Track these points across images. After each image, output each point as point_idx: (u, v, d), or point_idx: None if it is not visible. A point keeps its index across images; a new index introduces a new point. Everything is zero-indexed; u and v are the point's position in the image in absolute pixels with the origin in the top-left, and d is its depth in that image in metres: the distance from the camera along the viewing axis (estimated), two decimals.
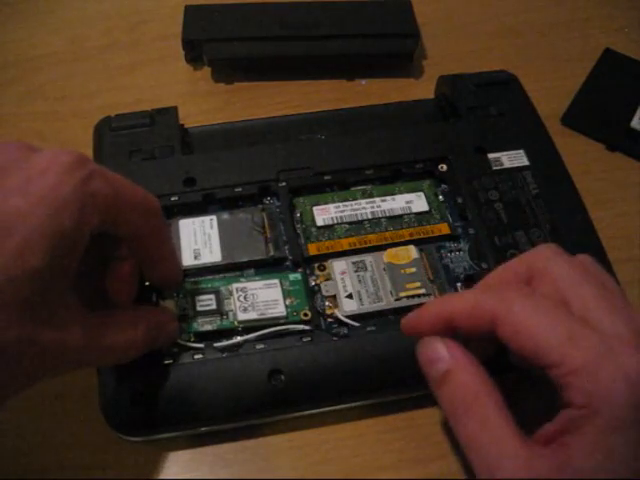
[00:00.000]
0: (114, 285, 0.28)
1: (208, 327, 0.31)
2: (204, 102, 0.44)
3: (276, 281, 0.33)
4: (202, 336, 0.31)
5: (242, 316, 0.31)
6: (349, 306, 0.32)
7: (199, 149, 0.38)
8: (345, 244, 0.34)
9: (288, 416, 0.31)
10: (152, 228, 0.28)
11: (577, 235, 0.35)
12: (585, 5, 0.50)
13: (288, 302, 0.32)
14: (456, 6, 0.50)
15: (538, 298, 0.25)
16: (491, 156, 0.37)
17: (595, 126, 0.43)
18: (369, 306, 0.32)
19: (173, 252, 0.30)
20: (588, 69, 0.45)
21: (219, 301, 0.32)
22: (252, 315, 0.32)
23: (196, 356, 0.31)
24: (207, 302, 0.32)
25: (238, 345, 0.31)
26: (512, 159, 0.37)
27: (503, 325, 0.25)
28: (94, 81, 0.45)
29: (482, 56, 0.46)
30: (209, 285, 0.33)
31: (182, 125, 0.39)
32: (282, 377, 0.30)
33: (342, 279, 0.33)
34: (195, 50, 0.45)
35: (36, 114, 0.43)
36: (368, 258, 0.34)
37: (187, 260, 0.33)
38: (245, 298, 0.32)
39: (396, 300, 0.33)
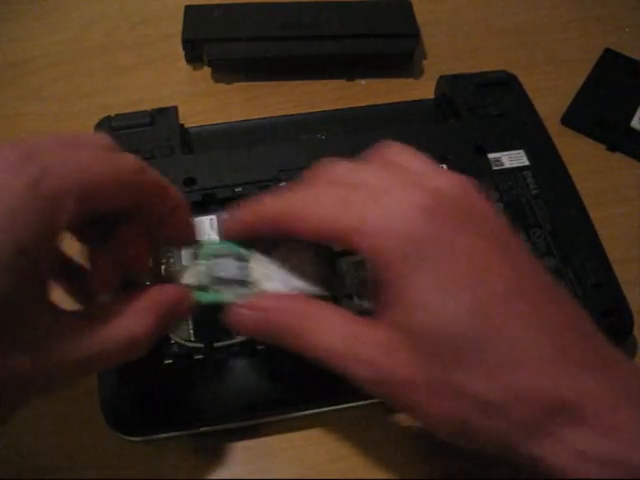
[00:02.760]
0: (127, 252, 0.26)
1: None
2: (204, 102, 0.44)
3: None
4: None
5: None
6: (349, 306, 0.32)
7: (199, 149, 0.38)
8: None
9: (288, 416, 0.31)
10: (148, 194, 0.25)
11: (577, 235, 0.35)
12: (585, 5, 0.50)
13: None
14: (456, 6, 0.50)
15: (313, 182, 0.26)
16: (491, 156, 0.37)
17: (595, 126, 0.43)
18: (369, 305, 0.32)
19: (180, 202, 0.27)
20: (588, 69, 0.45)
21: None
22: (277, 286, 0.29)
23: (196, 356, 0.31)
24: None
25: (238, 345, 0.31)
26: (512, 159, 0.37)
27: (288, 223, 0.25)
28: (94, 81, 0.45)
29: (482, 56, 0.46)
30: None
31: (182, 125, 0.39)
32: (282, 377, 0.30)
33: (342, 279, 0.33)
34: (195, 50, 0.45)
35: (36, 114, 0.43)
36: None
37: (187, 260, 0.33)
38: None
39: None
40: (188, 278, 0.28)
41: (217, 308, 0.33)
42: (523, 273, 0.24)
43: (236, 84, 0.45)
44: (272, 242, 0.29)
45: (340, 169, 0.27)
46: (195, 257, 0.29)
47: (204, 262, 0.28)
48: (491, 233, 0.24)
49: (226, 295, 0.27)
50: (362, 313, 0.25)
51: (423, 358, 0.23)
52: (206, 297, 0.27)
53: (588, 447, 0.22)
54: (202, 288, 0.28)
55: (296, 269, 0.28)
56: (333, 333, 0.25)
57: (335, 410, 0.31)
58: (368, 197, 0.24)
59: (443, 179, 0.25)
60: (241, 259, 0.28)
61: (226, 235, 0.29)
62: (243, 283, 0.28)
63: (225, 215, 0.29)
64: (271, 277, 0.28)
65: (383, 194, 0.24)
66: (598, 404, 0.22)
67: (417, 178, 0.25)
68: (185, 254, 0.34)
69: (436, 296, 0.23)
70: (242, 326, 0.27)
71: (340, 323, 0.25)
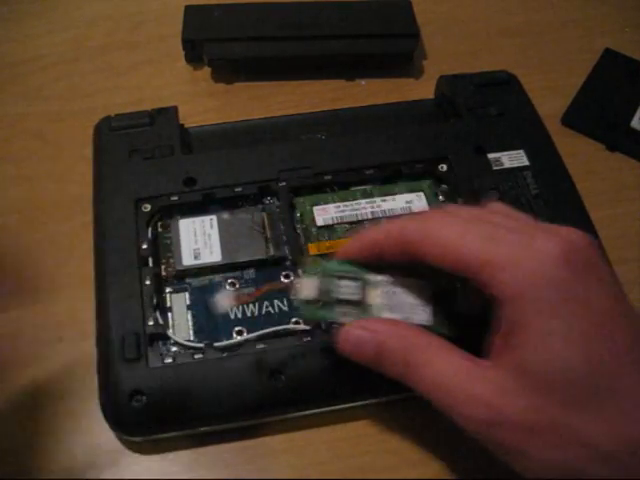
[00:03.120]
0: None
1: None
2: (204, 102, 0.44)
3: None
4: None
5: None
6: None
7: (199, 149, 0.38)
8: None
9: (288, 416, 0.31)
10: None
11: None
12: (585, 5, 0.50)
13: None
14: (456, 6, 0.50)
15: (453, 214, 0.27)
16: (491, 156, 0.37)
17: (595, 126, 0.43)
18: None
19: None
20: (588, 69, 0.45)
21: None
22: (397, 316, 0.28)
23: (196, 356, 0.31)
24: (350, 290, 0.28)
25: (238, 345, 0.31)
26: (512, 159, 0.37)
27: (425, 245, 0.26)
28: (94, 81, 0.45)
29: (482, 56, 0.46)
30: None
31: (182, 125, 0.39)
32: (282, 377, 0.30)
33: None
34: (195, 50, 0.45)
35: (36, 114, 0.43)
36: None
37: (187, 260, 0.34)
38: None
39: None
40: (301, 291, 0.27)
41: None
42: (632, 323, 0.24)
43: (236, 84, 0.45)
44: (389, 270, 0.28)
45: (468, 209, 0.28)
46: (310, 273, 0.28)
47: (320, 277, 0.27)
48: (612, 290, 0.25)
49: (337, 314, 0.27)
50: None
51: (540, 402, 0.23)
52: (315, 313, 0.27)
53: None
54: (313, 302, 0.27)
55: (416, 301, 0.28)
56: (444, 367, 0.25)
57: (335, 410, 0.31)
58: (516, 238, 0.25)
59: (572, 231, 0.26)
60: (359, 281, 0.28)
61: (348, 253, 0.29)
62: (357, 305, 0.27)
63: (350, 233, 0.30)
64: (387, 304, 0.28)
65: (529, 237, 0.25)
66: None
67: (548, 227, 0.26)
68: (185, 255, 0.34)
69: (563, 342, 0.23)
70: (347, 344, 0.27)
71: (452, 358, 0.25)
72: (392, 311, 0.28)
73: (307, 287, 0.27)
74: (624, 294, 0.25)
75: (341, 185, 0.37)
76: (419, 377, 0.25)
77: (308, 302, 0.27)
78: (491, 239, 0.25)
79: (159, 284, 0.33)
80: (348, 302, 0.27)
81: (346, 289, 0.27)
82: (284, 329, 0.31)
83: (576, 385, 0.23)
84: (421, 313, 0.28)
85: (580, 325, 0.23)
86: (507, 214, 0.28)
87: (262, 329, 0.31)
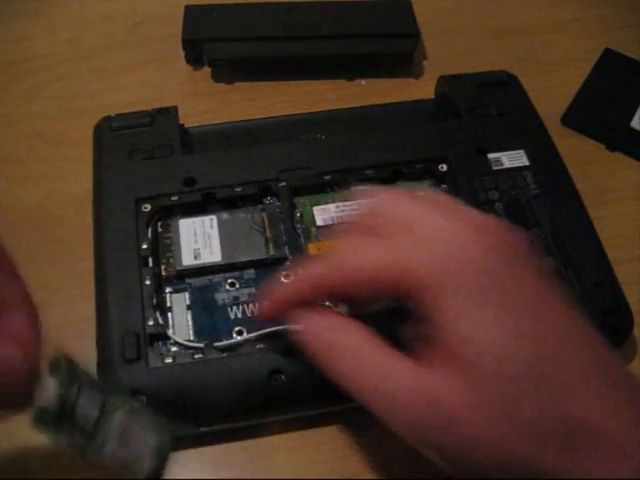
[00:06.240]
0: None
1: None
2: (204, 102, 0.44)
3: None
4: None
5: None
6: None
7: (199, 149, 0.38)
8: None
9: (288, 416, 0.31)
10: None
11: (577, 235, 0.35)
12: (585, 5, 0.50)
13: None
14: (456, 6, 0.50)
15: (353, 239, 0.27)
16: (491, 156, 0.37)
17: (595, 126, 0.43)
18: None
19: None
20: (588, 69, 0.45)
21: None
22: None
23: (196, 356, 0.31)
24: None
25: (238, 345, 0.31)
26: (512, 159, 0.37)
27: (341, 279, 0.26)
28: (94, 81, 0.45)
29: (482, 56, 0.46)
30: None
31: (182, 125, 0.39)
32: (282, 377, 0.30)
33: None
34: (195, 50, 0.45)
35: (36, 114, 0.43)
36: None
37: (187, 260, 0.34)
38: None
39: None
40: (42, 392, 0.22)
41: (217, 309, 0.33)
42: (567, 313, 0.24)
43: (236, 84, 0.45)
44: None
45: (378, 209, 0.27)
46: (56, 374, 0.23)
47: (62, 385, 0.22)
48: (536, 271, 0.24)
49: (58, 438, 0.23)
50: None
51: (473, 383, 0.23)
52: (38, 424, 0.22)
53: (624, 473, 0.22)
54: (45, 412, 0.22)
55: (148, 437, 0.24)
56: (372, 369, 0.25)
57: (335, 411, 0.31)
58: (413, 240, 0.24)
59: (486, 217, 0.26)
60: (105, 410, 0.23)
61: (265, 316, 0.29)
62: (88, 435, 0.23)
63: (259, 295, 0.30)
64: (120, 434, 0.24)
65: (430, 232, 0.24)
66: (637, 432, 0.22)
67: (474, 222, 0.25)
68: (185, 255, 0.34)
69: (487, 322, 0.23)
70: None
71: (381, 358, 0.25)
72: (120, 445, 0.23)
73: (48, 391, 0.22)
74: (548, 274, 0.25)
75: (341, 185, 0.37)
76: (344, 370, 0.25)
77: (43, 410, 0.22)
78: (387, 251, 0.25)
79: (159, 284, 0.33)
80: (82, 421, 0.23)
81: (84, 407, 0.23)
82: (284, 329, 0.31)
83: (505, 361, 0.22)
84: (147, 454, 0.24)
85: (504, 309, 0.23)
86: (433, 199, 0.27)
87: (262, 329, 0.31)
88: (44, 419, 0.22)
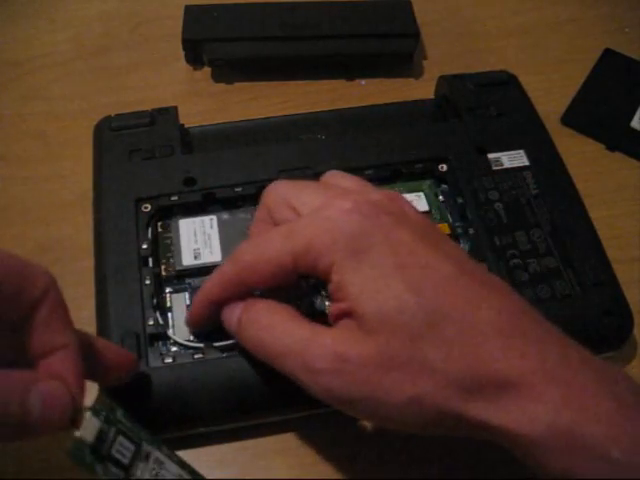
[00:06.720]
0: None
1: None
2: (204, 102, 0.44)
3: None
4: None
5: None
6: None
7: (199, 149, 0.38)
8: None
9: (288, 416, 0.31)
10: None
11: (577, 235, 0.35)
12: (585, 5, 0.50)
13: None
14: (456, 6, 0.50)
15: (255, 234, 0.29)
16: (491, 156, 0.37)
17: (595, 126, 0.43)
18: None
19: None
20: (588, 69, 0.45)
21: None
22: None
23: (196, 356, 0.31)
24: None
25: (238, 345, 0.31)
26: (512, 159, 0.37)
27: (248, 274, 0.27)
28: (94, 81, 0.45)
29: (482, 56, 0.46)
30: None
31: (182, 125, 0.39)
32: (282, 377, 0.30)
33: None
34: (195, 50, 0.45)
35: (36, 114, 0.43)
36: None
37: (187, 260, 0.34)
38: None
39: None
40: (82, 428, 0.23)
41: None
42: (460, 260, 0.25)
43: (236, 84, 0.45)
44: None
45: (276, 199, 0.29)
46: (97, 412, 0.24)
47: (102, 423, 0.24)
48: (424, 229, 0.26)
49: (100, 470, 0.23)
50: None
51: (381, 341, 0.24)
52: (78, 459, 0.23)
53: (539, 415, 0.22)
54: (81, 446, 0.23)
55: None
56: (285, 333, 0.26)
57: (335, 410, 0.31)
58: (303, 221, 0.26)
59: (373, 192, 0.27)
60: (135, 445, 0.25)
61: (195, 324, 0.30)
62: (122, 470, 0.24)
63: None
64: None
65: (318, 211, 0.26)
66: (548, 375, 0.23)
67: (349, 193, 0.27)
68: (185, 255, 0.34)
69: (382, 282, 0.24)
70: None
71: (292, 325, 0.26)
72: None
73: (89, 427, 0.23)
74: (442, 235, 0.27)
75: None
76: (270, 340, 0.26)
77: (82, 442, 0.23)
78: (287, 236, 0.26)
79: (159, 284, 0.33)
80: (117, 462, 0.24)
81: (120, 448, 0.24)
82: None
83: (407, 316, 0.23)
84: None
85: (393, 263, 0.24)
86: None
87: None
88: (81, 452, 0.23)
